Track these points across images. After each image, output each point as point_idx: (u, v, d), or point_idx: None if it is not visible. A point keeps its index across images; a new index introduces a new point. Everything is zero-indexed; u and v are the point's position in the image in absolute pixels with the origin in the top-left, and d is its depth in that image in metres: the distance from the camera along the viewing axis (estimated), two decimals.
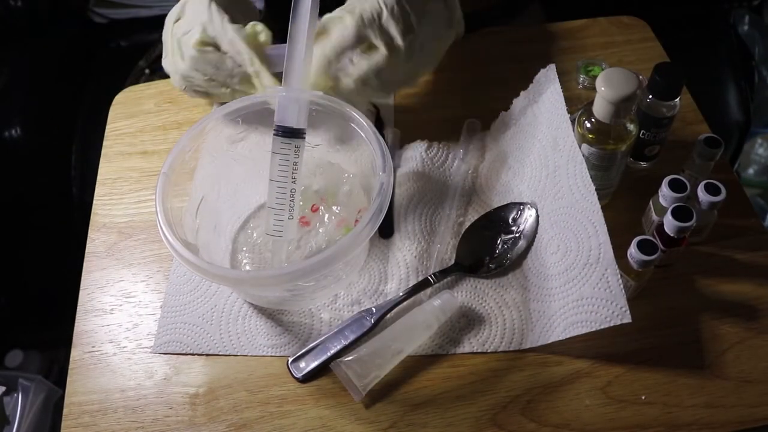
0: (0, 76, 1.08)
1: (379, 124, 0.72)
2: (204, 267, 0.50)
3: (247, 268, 0.63)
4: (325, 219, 0.64)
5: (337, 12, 0.63)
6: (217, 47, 0.64)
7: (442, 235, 0.63)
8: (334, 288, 0.60)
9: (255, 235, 0.65)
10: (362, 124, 0.57)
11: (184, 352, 0.59)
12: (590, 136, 0.57)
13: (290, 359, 0.57)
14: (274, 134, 0.57)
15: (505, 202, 0.64)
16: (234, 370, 0.57)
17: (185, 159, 0.58)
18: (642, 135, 0.62)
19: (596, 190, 0.55)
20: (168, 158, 0.56)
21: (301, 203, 0.65)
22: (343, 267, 0.58)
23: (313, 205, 0.65)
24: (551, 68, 0.65)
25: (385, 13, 0.61)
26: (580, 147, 0.57)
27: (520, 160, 0.65)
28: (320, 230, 0.64)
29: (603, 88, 0.53)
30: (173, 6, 0.68)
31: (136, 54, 1.12)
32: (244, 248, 0.64)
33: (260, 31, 0.64)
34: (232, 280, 0.53)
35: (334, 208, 0.64)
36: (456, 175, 0.67)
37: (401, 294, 0.58)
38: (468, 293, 0.60)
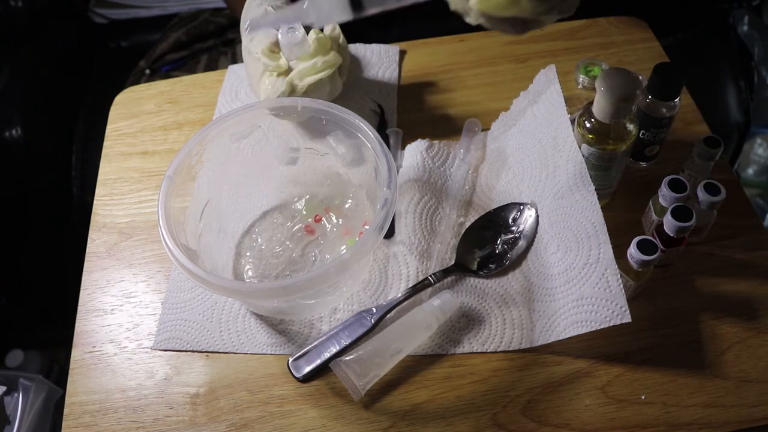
0: (0, 76, 1.08)
1: (383, 124, 0.72)
2: (204, 277, 0.49)
3: (250, 274, 0.63)
4: (328, 230, 0.64)
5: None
6: None
7: (442, 235, 0.63)
8: (334, 300, 0.60)
9: (260, 240, 0.65)
10: (370, 136, 0.56)
11: (184, 348, 0.59)
12: (590, 136, 0.57)
13: (290, 359, 0.57)
14: None
15: (505, 203, 0.64)
16: (234, 370, 0.57)
17: (191, 163, 0.57)
18: (642, 135, 0.62)
19: (596, 190, 0.55)
20: (174, 161, 0.56)
21: (304, 212, 0.65)
22: (344, 280, 0.58)
23: (316, 216, 0.65)
24: (551, 68, 0.65)
25: None
26: (580, 147, 0.57)
27: (520, 160, 0.65)
28: (321, 241, 0.64)
29: (603, 88, 0.53)
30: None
31: (136, 54, 1.11)
32: (248, 253, 0.64)
33: None
34: (229, 290, 0.51)
35: (335, 219, 0.65)
36: (456, 174, 0.67)
37: (401, 294, 0.58)
38: (468, 293, 0.60)
